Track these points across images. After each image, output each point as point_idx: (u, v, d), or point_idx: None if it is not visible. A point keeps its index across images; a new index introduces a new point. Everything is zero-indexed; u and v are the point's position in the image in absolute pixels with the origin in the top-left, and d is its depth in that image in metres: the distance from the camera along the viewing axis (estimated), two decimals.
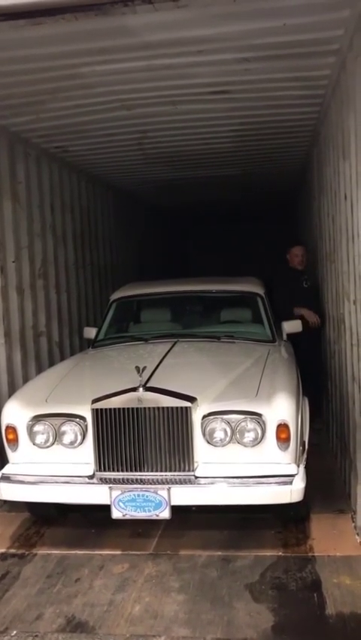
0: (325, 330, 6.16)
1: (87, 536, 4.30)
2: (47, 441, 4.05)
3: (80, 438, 4.00)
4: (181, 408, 3.84)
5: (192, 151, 6.95)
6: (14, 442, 4.10)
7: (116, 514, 3.82)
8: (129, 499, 3.78)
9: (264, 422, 3.80)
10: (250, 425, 3.82)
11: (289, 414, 3.82)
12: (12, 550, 4.20)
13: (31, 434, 4.06)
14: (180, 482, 3.82)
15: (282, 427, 3.78)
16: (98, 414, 3.92)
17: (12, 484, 4.02)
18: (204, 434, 3.86)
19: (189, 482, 3.81)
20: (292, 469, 3.80)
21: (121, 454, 3.89)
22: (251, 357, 4.79)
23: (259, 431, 3.80)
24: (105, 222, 8.78)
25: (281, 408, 3.83)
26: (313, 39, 3.98)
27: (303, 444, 4.09)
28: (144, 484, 3.82)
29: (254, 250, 13.91)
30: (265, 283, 6.13)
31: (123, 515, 3.82)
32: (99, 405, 3.93)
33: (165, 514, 3.77)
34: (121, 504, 3.80)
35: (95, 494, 3.88)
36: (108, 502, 3.81)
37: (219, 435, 3.85)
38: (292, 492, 3.73)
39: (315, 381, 6.18)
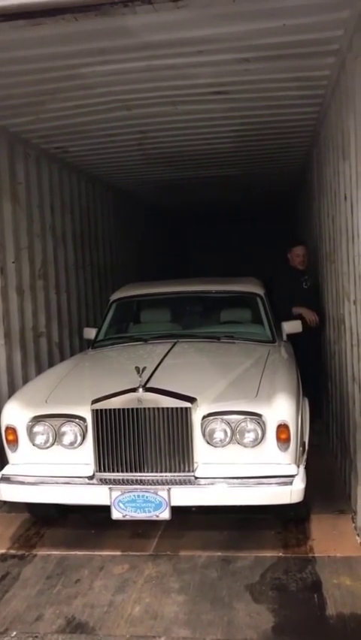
0: (325, 330, 6.15)
1: (87, 537, 4.29)
2: (46, 441, 4.04)
3: (79, 438, 3.99)
4: (181, 408, 3.84)
5: (193, 151, 6.96)
6: (14, 443, 4.10)
7: (116, 514, 3.82)
8: (129, 500, 3.78)
9: (264, 422, 3.79)
10: (250, 425, 3.81)
11: (289, 414, 3.82)
12: (12, 551, 4.20)
13: (31, 435, 4.05)
14: (180, 483, 3.81)
15: (282, 428, 3.78)
16: (98, 414, 3.91)
17: (12, 484, 4.01)
18: (204, 435, 3.86)
19: (189, 483, 3.81)
20: (292, 469, 3.80)
21: (121, 455, 3.89)
22: (251, 358, 4.78)
23: (259, 431, 3.80)
24: (105, 223, 8.77)
25: (281, 408, 3.82)
26: (313, 39, 3.99)
27: (303, 444, 4.09)
28: (143, 484, 3.82)
29: (254, 250, 13.91)
30: (265, 283, 6.12)
31: (123, 516, 3.81)
32: (99, 405, 3.92)
33: (165, 514, 3.77)
34: (121, 505, 3.79)
35: (95, 495, 3.88)
36: (108, 503, 3.81)
37: (219, 435, 3.84)
38: (292, 492, 3.72)
39: (315, 381, 6.17)
